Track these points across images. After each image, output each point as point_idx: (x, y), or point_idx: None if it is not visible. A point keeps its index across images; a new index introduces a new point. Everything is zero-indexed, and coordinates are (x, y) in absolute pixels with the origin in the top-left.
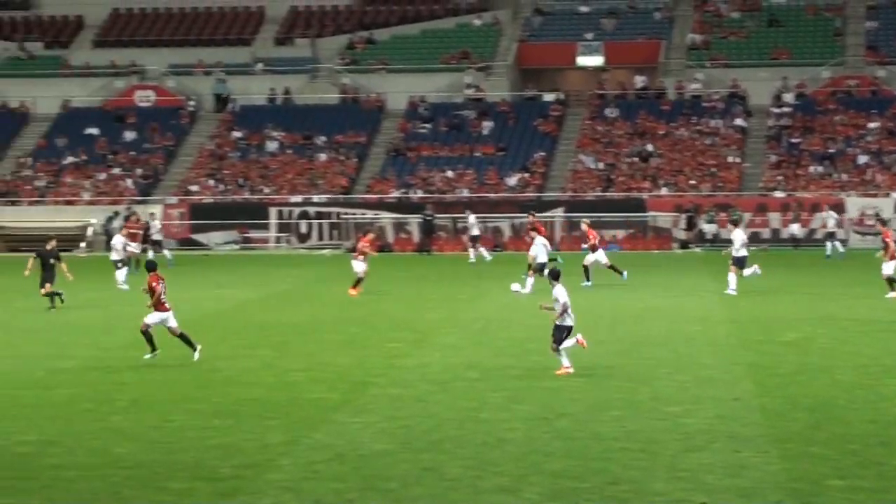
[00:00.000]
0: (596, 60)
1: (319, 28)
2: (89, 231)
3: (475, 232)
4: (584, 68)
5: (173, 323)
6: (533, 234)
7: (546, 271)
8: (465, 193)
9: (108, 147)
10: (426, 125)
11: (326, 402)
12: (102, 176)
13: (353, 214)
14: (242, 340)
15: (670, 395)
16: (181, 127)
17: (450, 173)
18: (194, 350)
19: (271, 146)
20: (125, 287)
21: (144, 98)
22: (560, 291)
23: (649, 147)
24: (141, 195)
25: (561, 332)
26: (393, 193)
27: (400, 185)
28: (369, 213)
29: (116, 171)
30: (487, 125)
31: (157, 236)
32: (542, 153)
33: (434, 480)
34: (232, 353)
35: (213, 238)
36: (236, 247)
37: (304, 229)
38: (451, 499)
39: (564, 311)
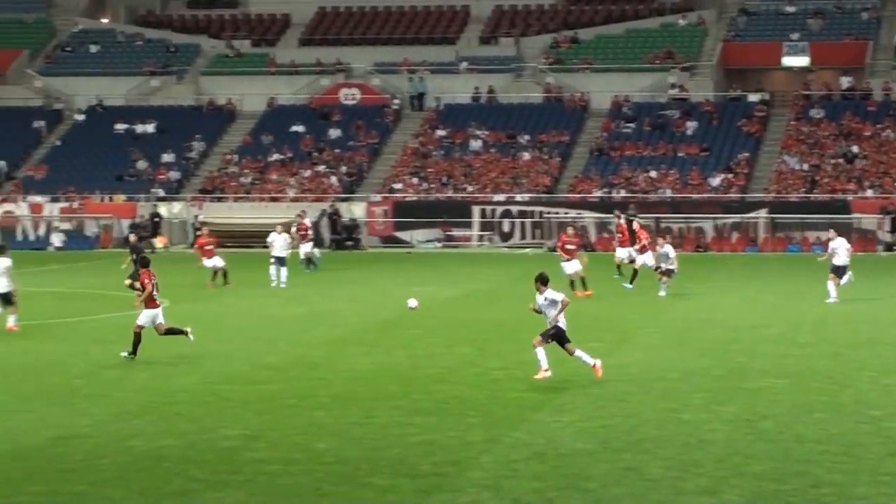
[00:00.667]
0: (802, 61)
1: (524, 27)
2: (293, 228)
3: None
4: (789, 69)
5: (161, 320)
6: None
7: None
8: (668, 193)
9: (313, 144)
10: (630, 125)
11: (527, 400)
12: (307, 173)
13: (556, 213)
14: (444, 338)
15: (874, 398)
16: (385, 125)
17: (653, 173)
18: (186, 334)
19: (475, 145)
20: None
21: (349, 96)
22: (553, 293)
23: (854, 148)
24: (345, 192)
25: (559, 333)
26: (595, 193)
27: (603, 185)
28: (572, 213)
29: (321, 168)
30: (691, 125)
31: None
32: (746, 154)
33: (634, 480)
34: (433, 351)
35: (415, 236)
36: (439, 245)
37: (506, 228)
38: (652, 499)
39: (563, 310)
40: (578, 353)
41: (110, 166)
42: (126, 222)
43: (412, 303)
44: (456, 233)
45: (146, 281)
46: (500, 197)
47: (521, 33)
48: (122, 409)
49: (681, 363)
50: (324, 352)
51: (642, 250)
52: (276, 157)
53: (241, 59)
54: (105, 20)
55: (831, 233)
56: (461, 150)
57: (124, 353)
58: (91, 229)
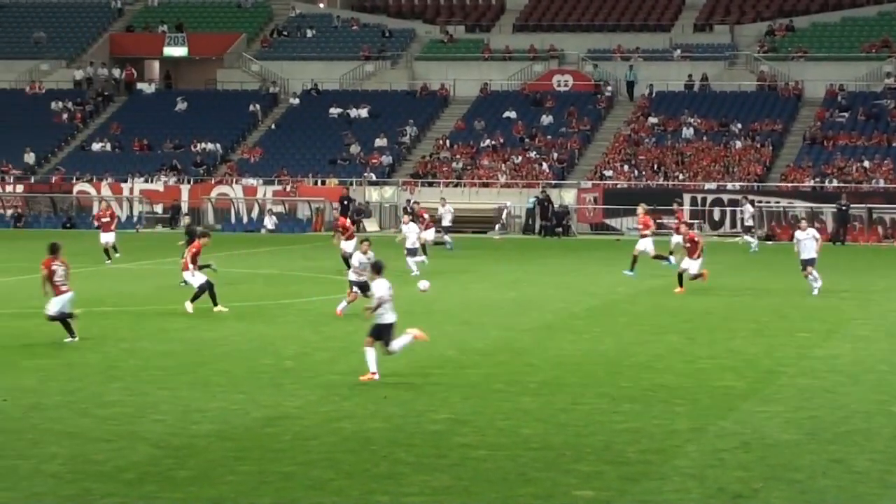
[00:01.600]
0: None
1: (739, 14)
2: (504, 214)
3: (749, 222)
4: None
5: (69, 308)
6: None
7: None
8: (882, 184)
9: (525, 130)
10: (844, 114)
11: (734, 389)
12: (518, 159)
13: (767, 203)
14: (652, 326)
15: None
16: (598, 112)
17: (866, 163)
18: (72, 336)
19: (687, 132)
20: (416, 272)
21: (562, 82)
22: (379, 286)
23: None
24: (556, 179)
25: (380, 331)
26: (808, 182)
27: (815, 174)
28: (783, 202)
29: (532, 154)
30: None
31: (445, 222)
32: None
33: (841, 472)
34: (641, 339)
35: (625, 223)
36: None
37: (717, 216)
38: (859, 492)
39: (379, 305)
40: (395, 345)
41: (324, 150)
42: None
43: (423, 285)
44: (666, 221)
45: (51, 268)
46: (711, 185)
47: (735, 21)
48: (332, 392)
49: (892, 355)
50: (532, 337)
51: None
52: (487, 142)
53: (454, 44)
54: (322, 5)
55: (802, 223)
56: (673, 138)
57: (67, 339)
58: (303, 212)
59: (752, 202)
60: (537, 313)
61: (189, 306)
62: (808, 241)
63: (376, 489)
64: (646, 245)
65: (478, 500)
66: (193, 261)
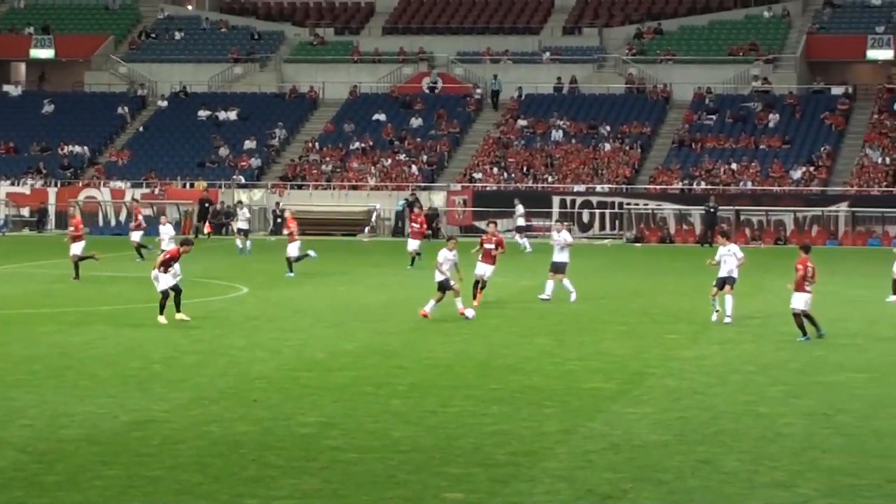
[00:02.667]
0: (886, 54)
1: (607, 17)
2: (373, 216)
3: (521, 222)
4: (873, 61)
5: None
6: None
7: None
8: (749, 186)
9: (395, 133)
10: (711, 117)
11: (603, 391)
12: (388, 161)
13: (636, 205)
14: (522, 328)
15: None
16: (467, 114)
17: (734, 165)
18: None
19: (556, 135)
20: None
21: (432, 85)
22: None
23: None
24: (425, 181)
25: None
26: (676, 184)
27: (684, 177)
28: (651, 204)
29: (402, 157)
30: (773, 118)
31: (241, 224)
32: (828, 147)
33: (709, 473)
34: (511, 341)
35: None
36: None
37: (586, 219)
38: (727, 492)
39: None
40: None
41: (192, 153)
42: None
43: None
44: (535, 223)
45: None
46: (581, 187)
47: (604, 24)
48: (200, 395)
49: (758, 356)
50: (401, 340)
51: (290, 237)
52: (357, 145)
53: (324, 46)
54: (190, 7)
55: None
56: (542, 140)
57: None
58: (172, 215)
59: (521, 202)
60: (407, 315)
61: (162, 318)
62: (729, 258)
63: (245, 493)
64: (290, 249)
65: (347, 503)
66: (165, 264)
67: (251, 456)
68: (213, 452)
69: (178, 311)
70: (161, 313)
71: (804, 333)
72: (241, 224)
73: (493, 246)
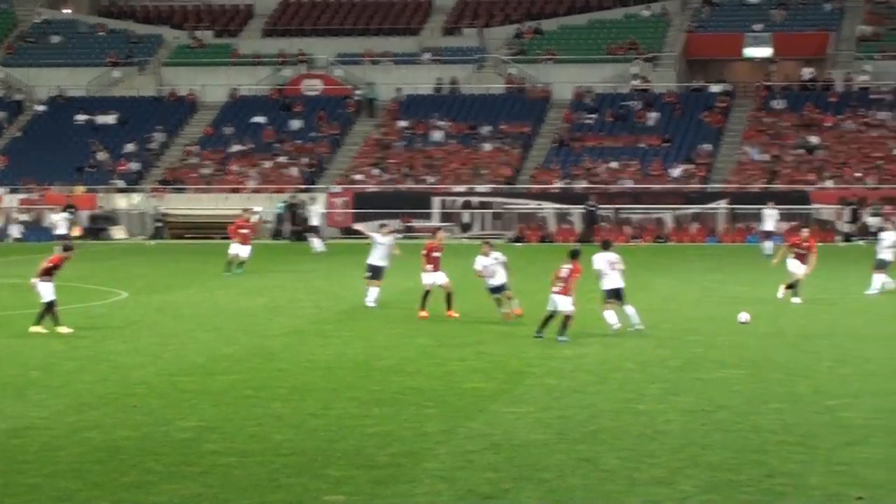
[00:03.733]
0: (764, 52)
1: (487, 18)
2: (254, 219)
3: (315, 222)
4: (751, 60)
5: None
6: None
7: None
8: (629, 184)
9: (275, 135)
10: (592, 116)
11: (483, 391)
12: (268, 164)
13: (517, 205)
14: (403, 329)
15: (830, 388)
16: (347, 116)
17: (614, 164)
18: None
19: (436, 136)
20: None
21: (311, 87)
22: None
23: (815, 139)
24: (306, 183)
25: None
26: (556, 184)
27: (564, 176)
28: (532, 204)
29: (282, 159)
30: (653, 116)
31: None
32: (708, 145)
33: (589, 471)
34: (392, 342)
35: (375, 227)
36: (399, 236)
37: (466, 219)
38: (607, 490)
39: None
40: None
41: (70, 157)
42: (86, 213)
43: (743, 317)
44: (416, 224)
45: None
46: (461, 188)
47: (484, 24)
48: (79, 401)
49: (638, 354)
50: (282, 343)
51: None
52: (237, 148)
53: (203, 49)
54: (67, 11)
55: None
56: (422, 141)
57: None
58: (50, 220)
59: (298, 202)
60: (287, 318)
61: (63, 329)
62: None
63: (125, 499)
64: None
65: None
66: (47, 272)
67: (131, 462)
68: (93, 459)
69: (58, 324)
70: (38, 323)
71: (539, 331)
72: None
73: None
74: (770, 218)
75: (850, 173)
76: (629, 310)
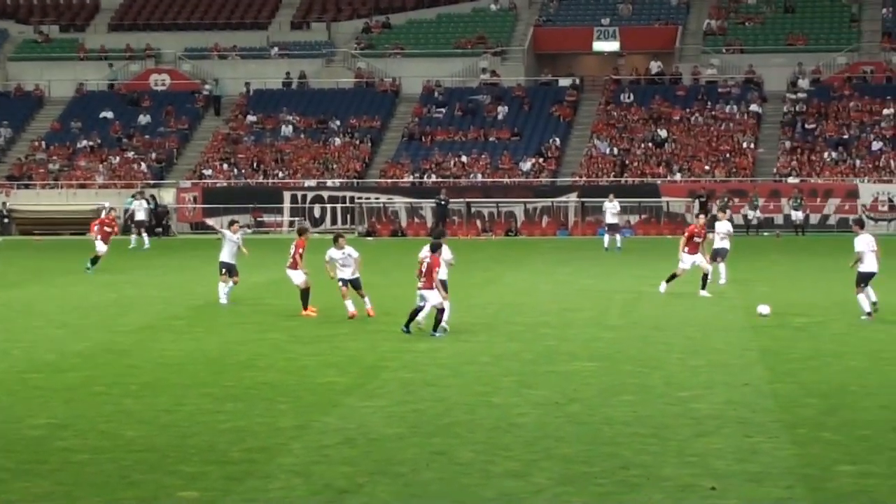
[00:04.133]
0: (612, 46)
1: (335, 12)
2: (102, 215)
3: (140, 216)
4: (599, 53)
5: None
6: None
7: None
8: (479, 178)
9: (123, 130)
10: (441, 110)
11: (337, 385)
12: (116, 159)
13: (367, 199)
14: (254, 325)
15: (682, 379)
16: (196, 111)
17: (464, 158)
18: None
19: (286, 130)
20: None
21: (159, 82)
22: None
23: (663, 132)
24: (154, 179)
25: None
26: (406, 178)
27: (414, 170)
28: (383, 198)
29: (130, 154)
30: (502, 110)
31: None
32: (557, 138)
33: (444, 464)
34: (244, 338)
35: (225, 222)
36: (249, 231)
37: (317, 214)
38: (462, 483)
39: None
40: None
41: None
42: None
43: (764, 309)
44: (267, 219)
45: None
46: (311, 182)
47: (332, 18)
48: None
49: (491, 347)
50: (133, 339)
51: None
52: (84, 143)
53: (49, 44)
54: None
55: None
56: (272, 136)
57: None
58: None
59: (150, 198)
60: (138, 314)
61: None
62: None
63: None
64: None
65: None
66: None
67: None
68: None
69: None
70: None
71: (406, 325)
72: None
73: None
74: (609, 211)
75: (699, 166)
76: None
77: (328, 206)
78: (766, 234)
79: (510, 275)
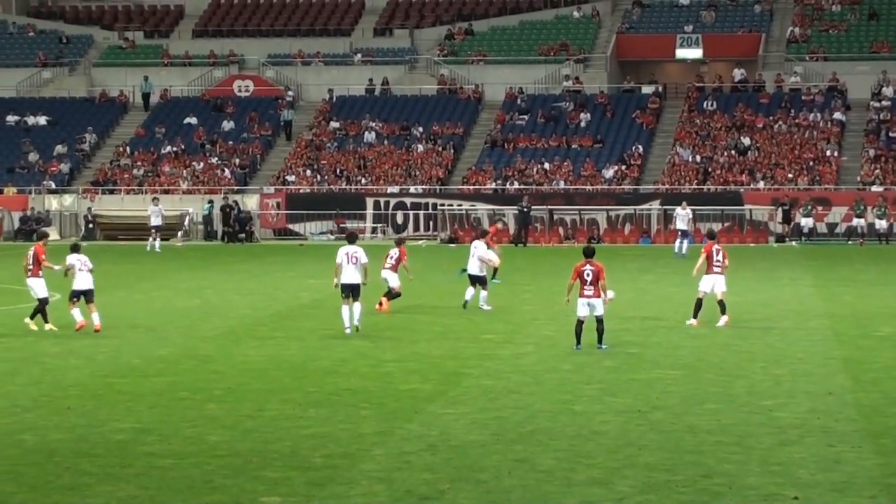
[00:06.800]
0: (695, 53)
1: (419, 19)
2: (186, 220)
3: (155, 222)
4: (682, 61)
5: None
6: None
7: None
8: (562, 185)
9: (206, 136)
10: (524, 117)
11: (420, 392)
12: (200, 165)
13: (450, 205)
14: (337, 331)
15: (765, 388)
16: (279, 117)
17: (546, 165)
18: None
19: (369, 137)
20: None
21: (243, 88)
22: None
23: (746, 140)
24: (238, 185)
25: None
26: (489, 185)
27: (496, 177)
28: (465, 205)
29: (214, 160)
30: (585, 117)
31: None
32: (639, 145)
33: (526, 472)
34: (326, 344)
35: (308, 228)
36: (332, 237)
37: (399, 220)
38: (544, 490)
39: None
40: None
41: (1, 159)
42: (17, 215)
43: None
44: (349, 225)
45: None
46: (394, 189)
47: (415, 25)
48: (13, 404)
49: (574, 355)
50: (217, 344)
51: None
52: (168, 149)
53: (133, 50)
54: None
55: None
56: (355, 143)
57: None
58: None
59: (233, 203)
60: (221, 320)
61: None
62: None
63: (60, 501)
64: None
65: None
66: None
67: (66, 464)
68: (27, 461)
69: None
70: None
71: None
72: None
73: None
74: (680, 218)
75: (782, 174)
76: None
77: (411, 212)
78: (850, 242)
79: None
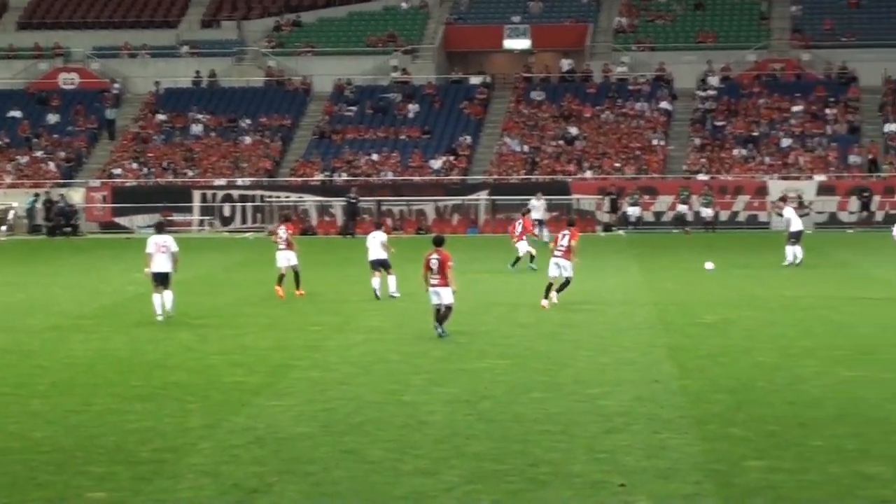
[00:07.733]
0: (522, 43)
1: (246, 10)
2: (10, 214)
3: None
4: (510, 51)
5: None
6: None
7: None
8: (390, 176)
9: (31, 130)
10: (352, 108)
11: (246, 385)
12: (24, 159)
13: (277, 197)
14: (162, 324)
15: (591, 377)
16: (104, 110)
17: (374, 156)
18: None
19: (196, 129)
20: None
21: (68, 81)
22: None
23: (574, 130)
24: (63, 178)
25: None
26: (317, 176)
27: (324, 168)
28: (293, 196)
29: (39, 154)
30: (413, 108)
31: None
32: (468, 136)
33: (354, 463)
34: (152, 337)
35: (135, 221)
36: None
37: (227, 212)
38: (372, 481)
39: None
40: None
41: None
42: None
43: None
44: (176, 218)
45: None
46: (222, 181)
47: (242, 17)
48: None
49: (401, 345)
50: (41, 339)
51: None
52: None
53: None
54: None
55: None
56: (182, 135)
57: None
58: None
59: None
60: (45, 314)
61: None
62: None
63: None
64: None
65: None
66: None
67: None
68: None
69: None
70: None
71: None
72: None
73: None
74: (535, 209)
75: (609, 164)
76: None
77: (238, 204)
78: (675, 231)
79: (419, 273)
